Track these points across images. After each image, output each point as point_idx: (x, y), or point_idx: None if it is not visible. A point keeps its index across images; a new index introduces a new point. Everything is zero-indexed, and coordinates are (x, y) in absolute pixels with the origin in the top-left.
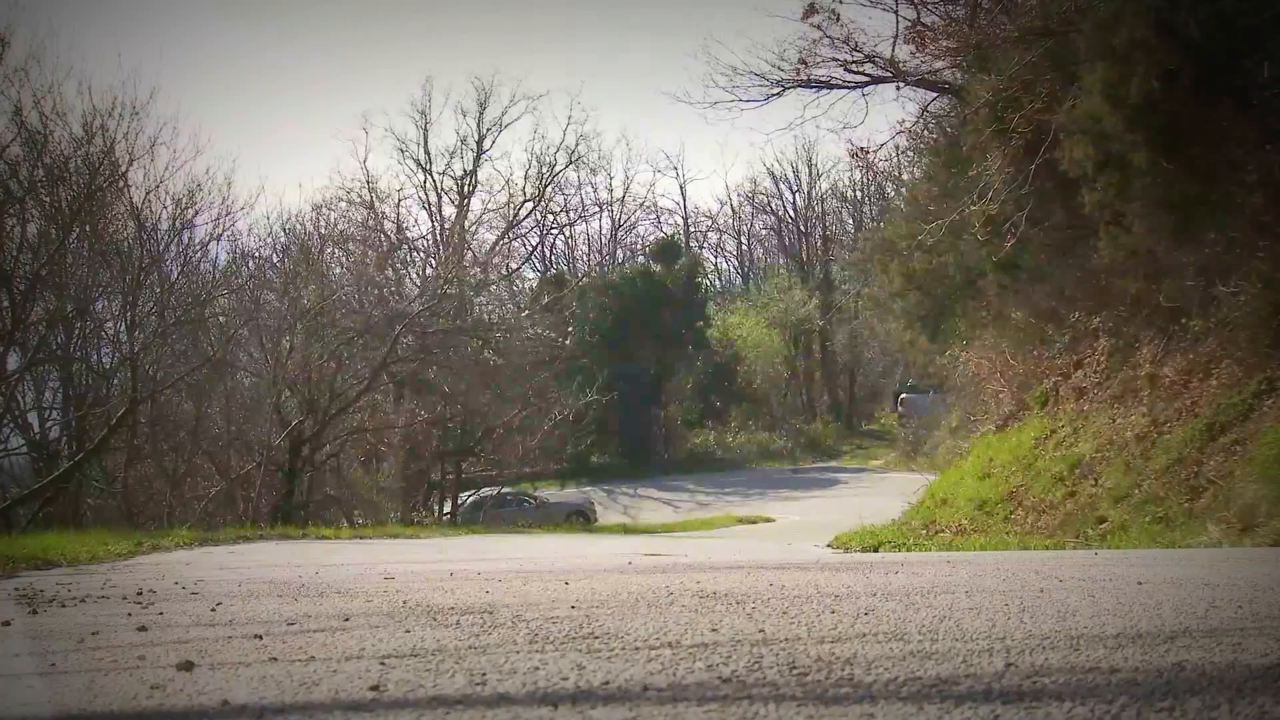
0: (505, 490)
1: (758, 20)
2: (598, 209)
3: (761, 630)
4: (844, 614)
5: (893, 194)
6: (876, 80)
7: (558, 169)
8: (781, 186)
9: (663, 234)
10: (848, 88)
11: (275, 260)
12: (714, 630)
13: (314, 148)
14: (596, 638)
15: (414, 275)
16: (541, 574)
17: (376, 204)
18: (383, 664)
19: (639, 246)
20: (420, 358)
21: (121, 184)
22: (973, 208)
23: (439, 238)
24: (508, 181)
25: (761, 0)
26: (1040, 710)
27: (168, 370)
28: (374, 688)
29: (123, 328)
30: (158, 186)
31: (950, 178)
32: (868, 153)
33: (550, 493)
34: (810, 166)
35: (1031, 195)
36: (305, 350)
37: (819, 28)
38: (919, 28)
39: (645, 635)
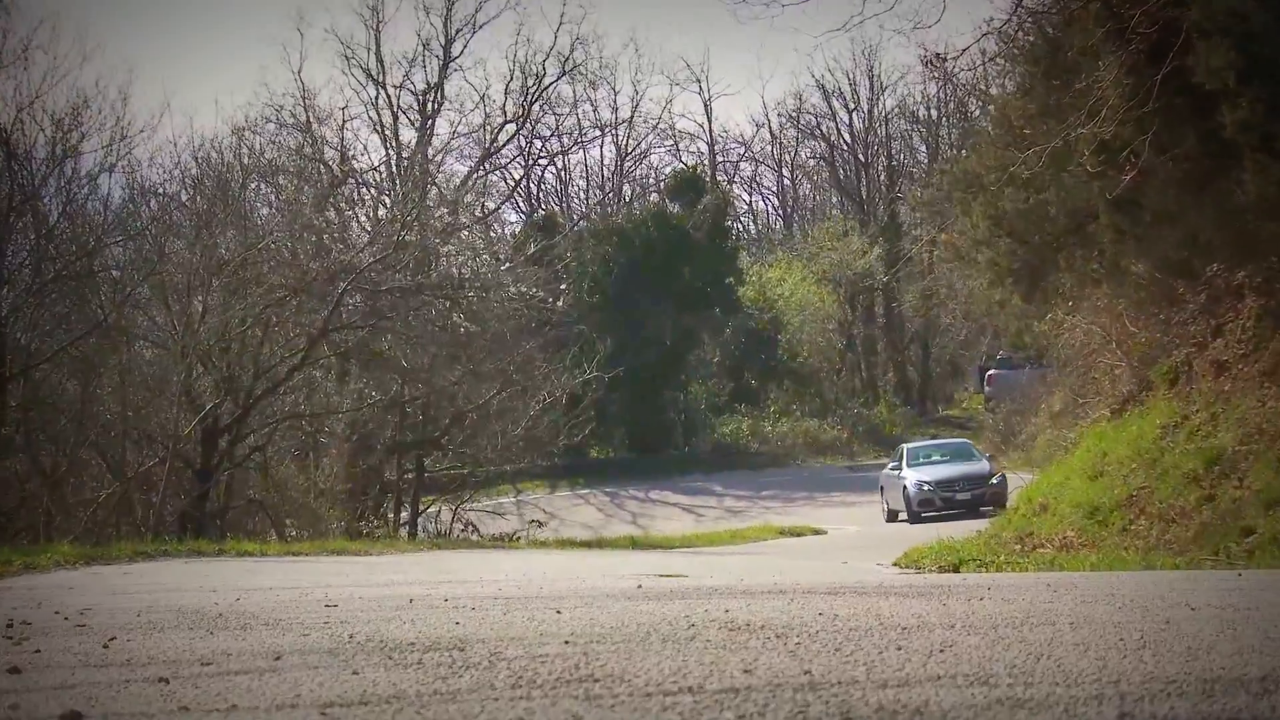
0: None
1: None
2: (599, 134)
3: (808, 671)
4: (913, 651)
5: (977, 113)
6: None
7: (547, 82)
8: (835, 104)
9: (682, 165)
10: None
11: (185, 199)
12: (747, 672)
13: (235, 55)
14: (597, 680)
15: (363, 218)
16: (527, 600)
17: (315, 127)
18: (324, 715)
19: (652, 181)
20: (371, 324)
21: None
22: (1081, 131)
23: (395, 170)
24: (483, 98)
25: None
26: None
27: (45, 339)
28: None
29: None
30: (32, 103)
31: (1052, 92)
32: (945, 60)
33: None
34: (871, 79)
35: (1156, 114)
36: (223, 314)
37: None
38: None
39: (659, 678)
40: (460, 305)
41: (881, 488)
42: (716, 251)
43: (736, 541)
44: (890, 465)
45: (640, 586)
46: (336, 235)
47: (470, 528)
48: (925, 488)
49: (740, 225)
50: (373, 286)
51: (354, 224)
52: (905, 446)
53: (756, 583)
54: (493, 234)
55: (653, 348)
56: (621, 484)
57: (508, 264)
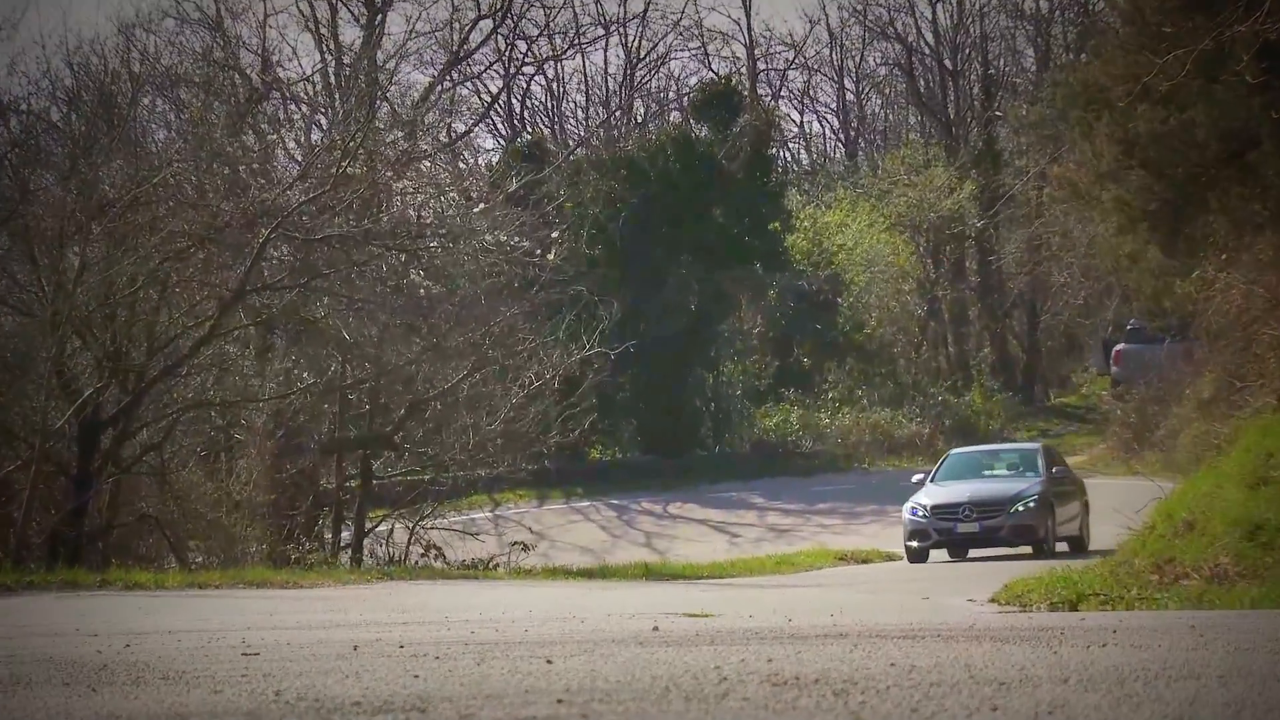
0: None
1: None
2: (602, 33)
3: None
4: (1014, 713)
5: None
6: None
7: None
8: None
9: (712, 75)
10: None
11: (55, 118)
12: None
13: None
14: None
15: (291, 144)
16: (508, 646)
17: (227, 23)
18: None
19: (672, 97)
20: (302, 283)
21: None
22: (1238, 29)
23: (333, 81)
24: None
25: None
26: None
27: None
28: None
29: None
30: None
31: None
32: None
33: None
34: None
35: None
36: (107, 270)
37: None
38: None
39: None
40: (420, 259)
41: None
42: (757, 189)
43: (782, 570)
44: (915, 478)
45: (656, 628)
46: (256, 167)
47: (434, 552)
48: (918, 514)
49: (789, 154)
50: (304, 234)
51: (279, 152)
52: (953, 453)
53: (808, 624)
54: (462, 165)
55: (673, 315)
56: (632, 494)
57: (482, 205)
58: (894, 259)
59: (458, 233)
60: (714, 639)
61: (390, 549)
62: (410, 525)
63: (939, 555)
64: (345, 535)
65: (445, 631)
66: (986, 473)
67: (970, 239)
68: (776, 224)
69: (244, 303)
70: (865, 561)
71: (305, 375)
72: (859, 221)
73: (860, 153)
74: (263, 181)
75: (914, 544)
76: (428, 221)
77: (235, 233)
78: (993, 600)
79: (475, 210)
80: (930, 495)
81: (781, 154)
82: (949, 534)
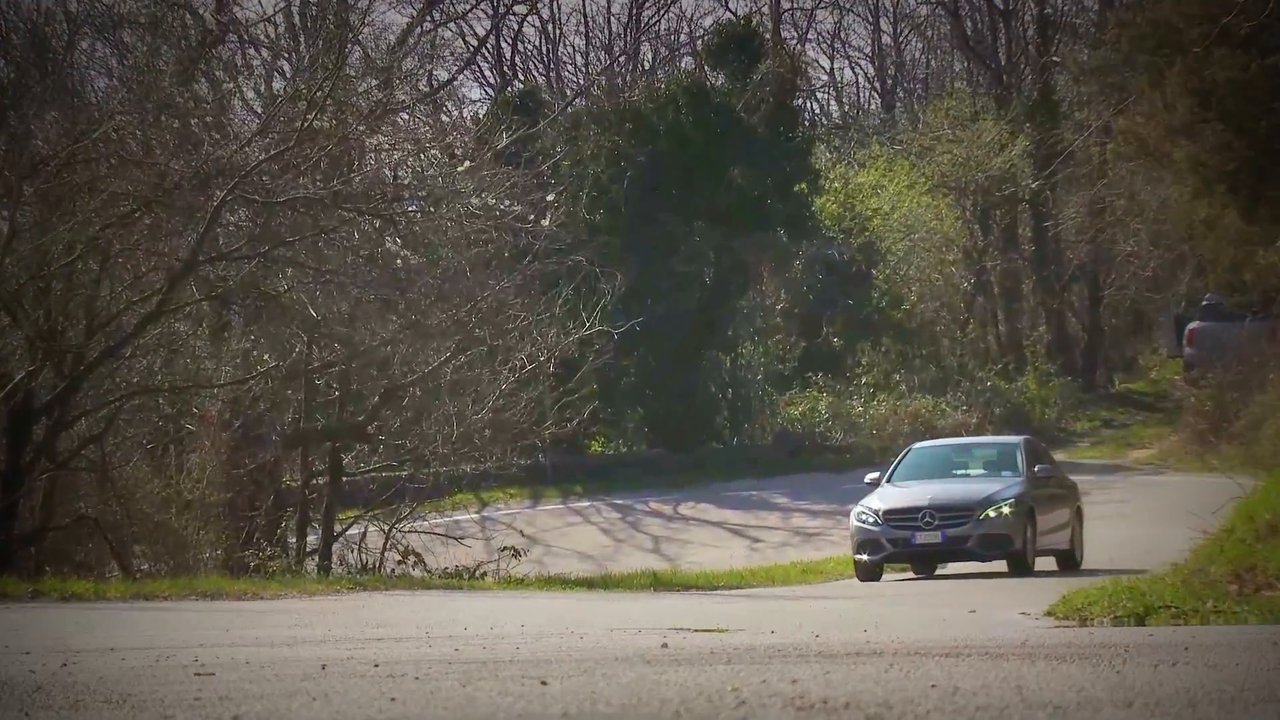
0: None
1: None
2: None
3: None
4: None
5: None
6: None
7: None
8: None
9: (730, 15)
10: None
11: None
12: None
13: None
14: None
15: (250, 94)
16: (498, 665)
17: None
18: None
19: (684, 40)
20: (262, 252)
21: None
22: None
23: (298, 22)
24: None
25: None
26: None
27: None
28: None
29: None
30: None
31: None
32: None
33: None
34: None
35: None
36: (39, 237)
37: None
38: None
39: None
40: (397, 225)
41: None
42: (781, 145)
43: (810, 579)
44: (869, 478)
45: (666, 645)
46: (210, 120)
47: (412, 558)
48: (868, 520)
49: (817, 105)
50: (265, 197)
51: (236, 103)
52: (914, 447)
53: (839, 640)
54: (445, 119)
55: (686, 289)
56: (638, 493)
57: (468, 164)
58: (937, 225)
59: (440, 195)
60: (731, 657)
61: (363, 555)
62: (386, 528)
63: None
64: (312, 539)
65: (426, 649)
66: (956, 472)
67: (1024, 202)
68: (803, 185)
69: (196, 275)
70: (903, 570)
71: (266, 357)
72: (897, 182)
73: (898, 104)
74: (217, 136)
75: (864, 556)
76: (405, 182)
77: (186, 195)
78: (1049, 613)
79: (460, 170)
80: (884, 498)
81: (809, 105)
82: (905, 545)
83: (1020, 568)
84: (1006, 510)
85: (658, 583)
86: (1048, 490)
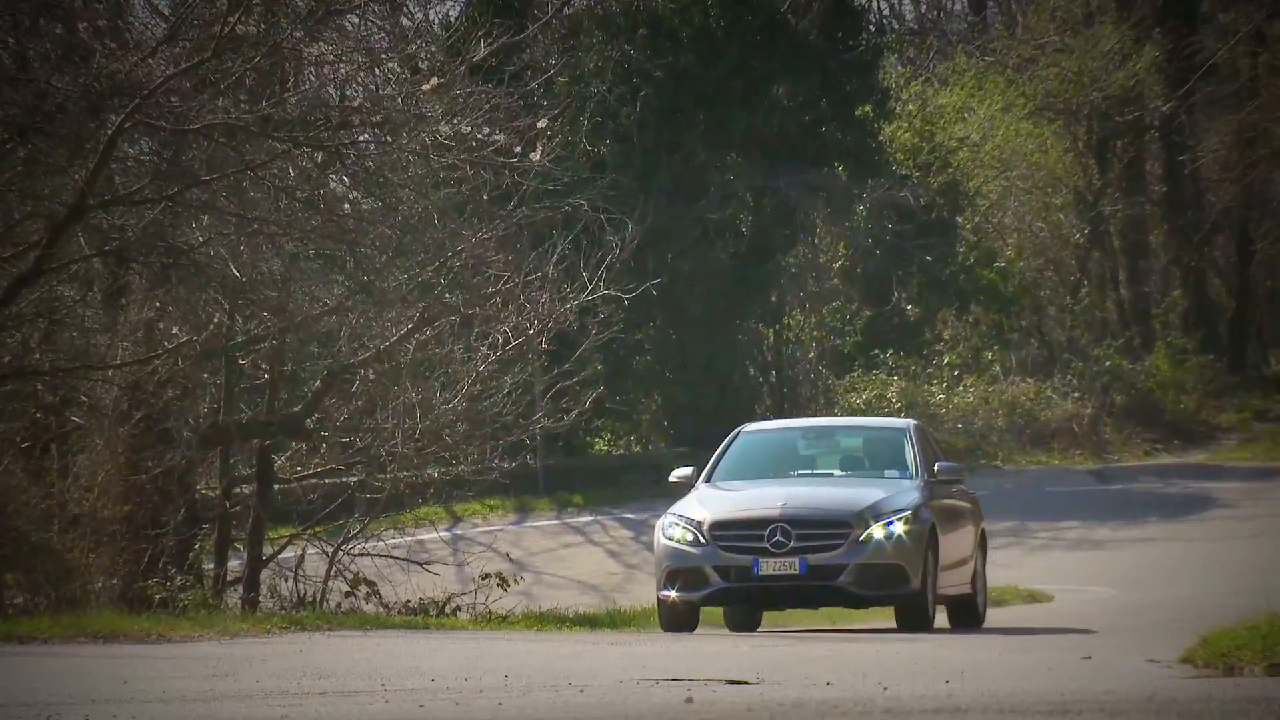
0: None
1: None
2: None
3: None
4: None
5: None
6: None
7: None
8: None
9: None
10: None
11: None
12: None
13: None
14: None
15: None
16: None
17: None
18: None
19: None
20: (170, 195)
21: None
22: None
23: None
24: None
25: None
26: None
27: None
28: None
29: None
30: None
31: None
32: None
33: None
34: None
35: None
36: None
37: None
38: None
39: None
40: (344, 160)
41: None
42: (840, 56)
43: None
44: (678, 474)
45: (690, 700)
46: (103, 24)
47: (365, 589)
48: (681, 537)
49: (886, 5)
50: (174, 124)
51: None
52: (745, 431)
53: (912, 693)
54: (406, 22)
55: (717, 242)
56: (654, 505)
57: (435, 81)
58: (1040, 159)
59: (399, 121)
60: (774, 714)
61: (301, 585)
62: (330, 550)
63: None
64: (234, 565)
65: (382, 705)
66: (804, 471)
67: (1152, 130)
68: (868, 108)
69: (86, 223)
70: (1000, 603)
71: (176, 331)
72: (989, 104)
73: (991, 4)
74: (112, 45)
75: (674, 593)
76: (355, 104)
77: (73, 120)
78: (1184, 660)
79: (425, 88)
80: (709, 504)
81: (876, 6)
82: (744, 577)
83: (915, 618)
84: (900, 529)
85: (880, 613)
86: (952, 502)
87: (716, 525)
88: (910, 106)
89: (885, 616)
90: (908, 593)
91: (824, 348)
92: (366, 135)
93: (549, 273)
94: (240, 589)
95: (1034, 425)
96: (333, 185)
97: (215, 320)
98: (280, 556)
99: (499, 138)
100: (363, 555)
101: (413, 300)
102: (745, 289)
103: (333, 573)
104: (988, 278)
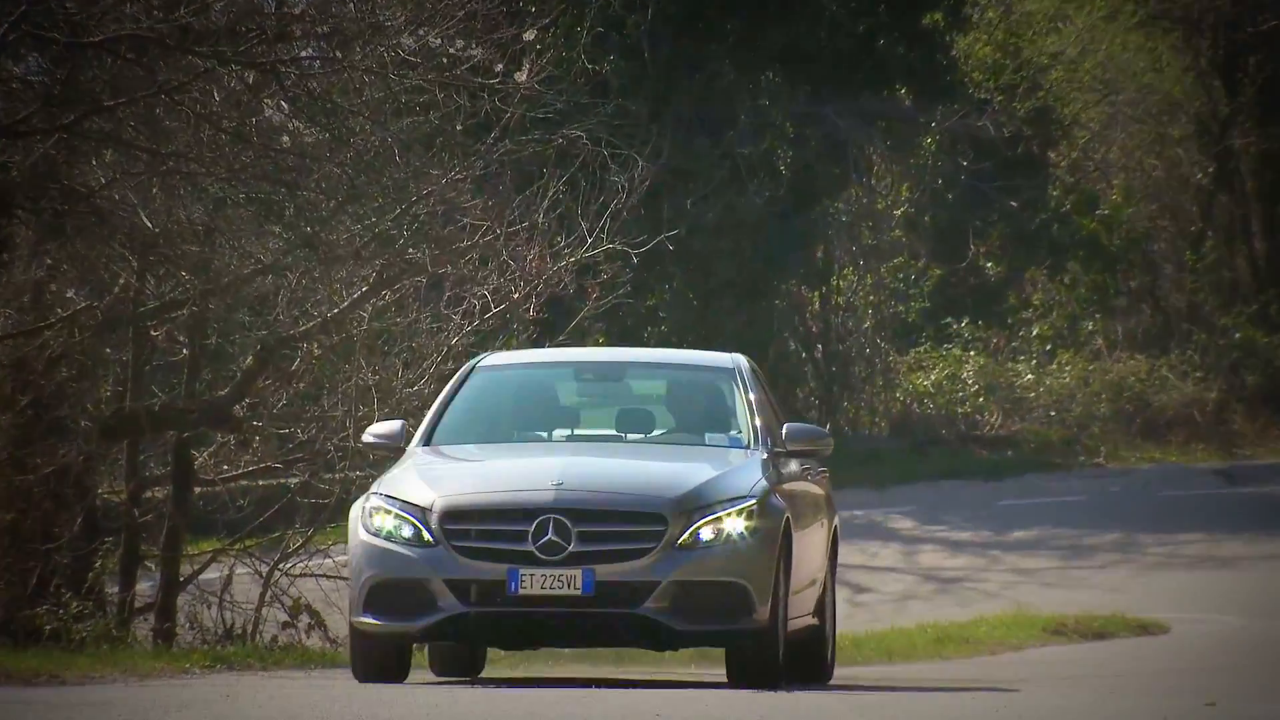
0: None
1: None
2: None
3: None
4: None
5: None
6: None
7: None
8: None
9: None
10: None
11: None
12: None
13: None
14: None
15: None
16: None
17: None
18: None
19: None
20: (65, 124)
21: None
22: None
23: None
24: None
25: None
26: None
27: None
28: None
29: None
30: None
31: None
32: None
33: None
34: None
35: None
36: None
37: None
38: None
39: None
40: (282, 81)
41: None
42: None
43: (944, 652)
44: (377, 432)
45: None
46: None
47: (307, 618)
48: (382, 528)
49: None
50: (69, 35)
51: None
52: (484, 364)
53: None
54: None
55: (749, 184)
56: None
57: None
58: (1153, 80)
59: (351, 33)
60: None
61: (228, 612)
62: (264, 570)
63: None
64: (144, 587)
65: None
66: (581, 433)
67: None
68: (938, 16)
69: None
70: (1102, 636)
71: (71, 294)
72: (1089, 11)
73: None
74: None
75: (377, 620)
76: (296, 12)
77: None
78: None
79: None
80: (435, 480)
81: None
82: (495, 597)
83: (758, 666)
84: (740, 527)
85: (702, 656)
86: (805, 487)
87: (451, 514)
88: (990, 14)
89: (709, 661)
90: (750, 628)
91: (883, 316)
92: (310, 50)
93: (538, 222)
94: (152, 617)
95: (1146, 413)
96: (268, 113)
97: (121, 282)
98: (201, 577)
99: (476, 53)
100: (305, 576)
101: (368, 257)
102: (785, 243)
103: (268, 598)
104: (1088, 228)
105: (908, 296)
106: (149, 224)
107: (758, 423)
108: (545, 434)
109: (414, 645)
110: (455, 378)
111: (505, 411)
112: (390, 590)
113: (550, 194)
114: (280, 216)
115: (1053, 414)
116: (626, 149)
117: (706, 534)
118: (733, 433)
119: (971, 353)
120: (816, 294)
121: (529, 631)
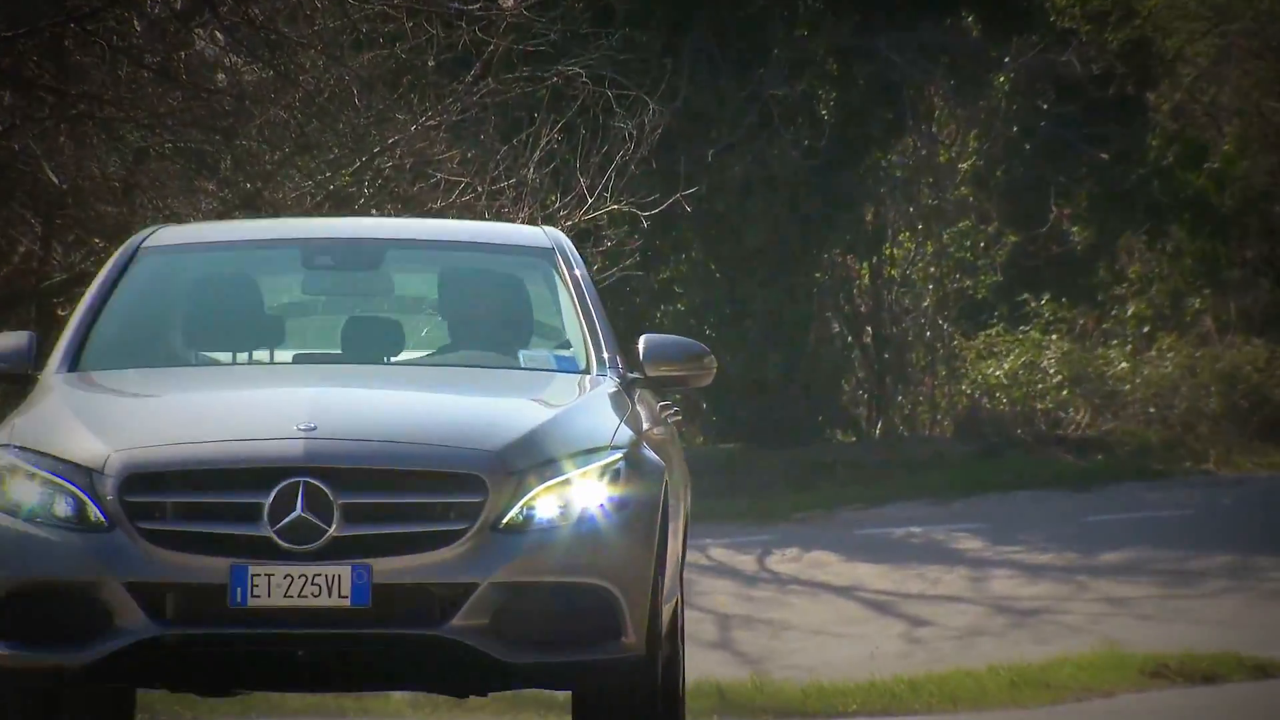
0: None
1: None
2: None
3: None
4: None
5: None
6: None
7: None
8: None
9: None
10: None
11: None
12: None
13: None
14: None
15: None
16: None
17: None
18: None
19: None
20: None
21: None
22: None
23: None
24: None
25: None
26: None
27: None
28: None
29: None
30: None
31: None
32: None
33: None
34: None
35: None
36: None
37: None
38: None
39: None
40: (216, 8)
41: None
42: None
43: (1023, 698)
44: None
45: None
46: None
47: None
48: (21, 499)
49: None
50: None
51: None
52: (152, 242)
53: None
54: None
55: (784, 132)
56: (692, 529)
57: None
58: (1274, 5)
59: None
60: None
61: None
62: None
63: None
64: None
65: None
66: (325, 353)
67: None
68: None
69: None
70: (1211, 679)
71: None
72: None
73: None
74: None
75: (12, 650)
76: None
77: None
78: None
79: None
80: (100, 422)
81: None
82: (210, 612)
83: (629, 713)
84: (597, 496)
85: (726, 706)
86: (669, 433)
87: (137, 478)
88: None
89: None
90: (615, 656)
91: (945, 292)
92: None
93: (528, 178)
94: None
95: (1265, 409)
96: (200, 45)
97: (22, 250)
98: None
99: None
100: None
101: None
102: (827, 203)
103: None
104: (1195, 185)
105: (976, 269)
106: (55, 179)
107: (599, 334)
108: (263, 352)
109: (73, 689)
110: (109, 264)
111: (197, 317)
112: (37, 600)
113: (543, 144)
114: (215, 170)
115: (1151, 410)
116: (634, 90)
117: (547, 508)
118: (559, 350)
119: (1053, 336)
120: (866, 266)
121: (264, 667)
